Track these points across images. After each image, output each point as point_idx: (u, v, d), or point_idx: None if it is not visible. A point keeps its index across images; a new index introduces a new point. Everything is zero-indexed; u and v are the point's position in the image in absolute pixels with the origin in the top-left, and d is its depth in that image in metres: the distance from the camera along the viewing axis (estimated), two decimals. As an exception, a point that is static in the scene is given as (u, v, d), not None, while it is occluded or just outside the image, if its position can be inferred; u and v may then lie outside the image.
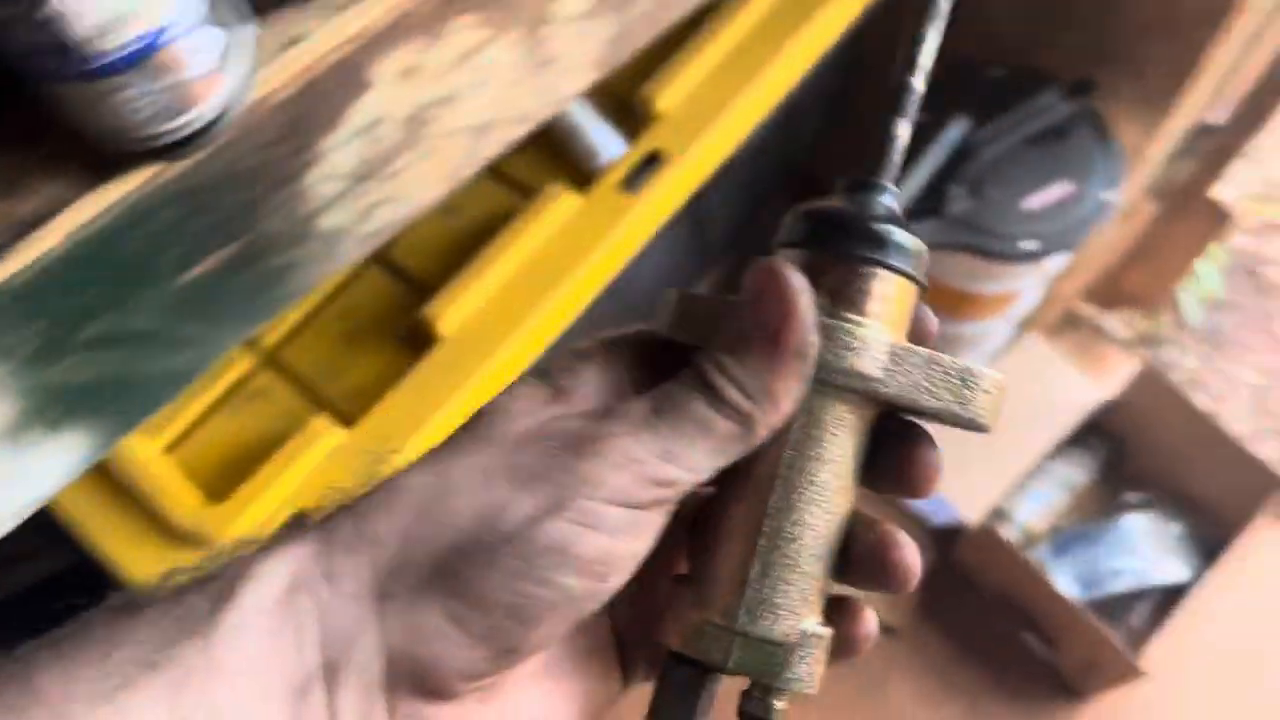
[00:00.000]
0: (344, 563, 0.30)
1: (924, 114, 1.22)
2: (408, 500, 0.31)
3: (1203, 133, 1.31)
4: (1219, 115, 1.30)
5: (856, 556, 0.33)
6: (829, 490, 0.32)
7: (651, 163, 0.84)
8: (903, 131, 0.33)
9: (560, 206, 0.82)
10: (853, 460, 0.32)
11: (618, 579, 0.31)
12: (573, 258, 0.80)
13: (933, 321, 0.35)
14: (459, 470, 0.31)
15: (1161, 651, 1.38)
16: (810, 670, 0.32)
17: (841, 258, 0.32)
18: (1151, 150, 1.22)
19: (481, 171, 0.89)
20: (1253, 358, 2.06)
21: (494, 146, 0.63)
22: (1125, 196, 1.30)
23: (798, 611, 0.32)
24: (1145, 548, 1.53)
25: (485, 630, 0.30)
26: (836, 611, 0.34)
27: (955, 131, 1.07)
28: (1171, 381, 1.48)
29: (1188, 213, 1.44)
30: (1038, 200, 1.14)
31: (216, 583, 0.30)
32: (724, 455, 0.31)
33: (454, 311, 0.79)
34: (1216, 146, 1.33)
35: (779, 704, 0.33)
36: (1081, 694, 1.50)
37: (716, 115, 0.85)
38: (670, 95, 0.86)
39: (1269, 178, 2.18)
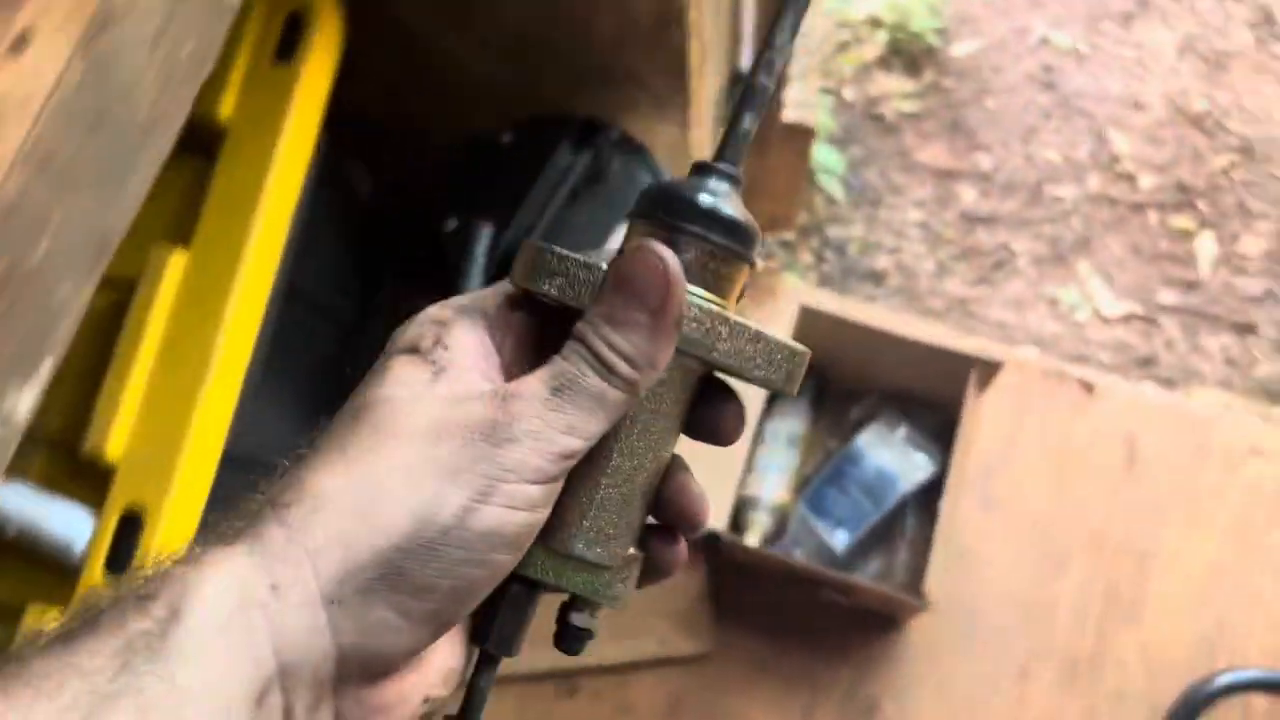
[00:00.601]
0: (287, 574, 0.31)
1: (453, 218, 1.09)
2: (338, 507, 0.32)
3: (742, 80, 1.25)
4: (747, 59, 1.24)
5: (664, 496, 0.38)
6: (662, 439, 0.37)
7: (131, 525, 0.69)
8: (750, 124, 0.37)
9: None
10: (682, 413, 0.38)
11: (529, 544, 0.35)
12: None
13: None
14: (381, 471, 0.33)
15: (943, 566, 1.37)
16: (626, 589, 0.38)
17: (691, 238, 0.36)
18: (695, 135, 1.14)
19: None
20: (906, 197, 2.07)
21: None
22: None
23: (623, 540, 0.37)
24: (884, 460, 1.51)
25: (429, 613, 0.33)
26: (654, 537, 0.39)
27: (482, 242, 0.96)
28: (829, 310, 1.44)
29: (773, 142, 1.39)
30: (614, 243, 1.05)
31: (155, 604, 0.30)
32: (612, 419, 0.35)
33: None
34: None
35: (596, 617, 0.39)
36: (898, 622, 1.49)
37: (182, 433, 0.70)
38: (118, 437, 0.70)
39: (844, 19, 2.18)
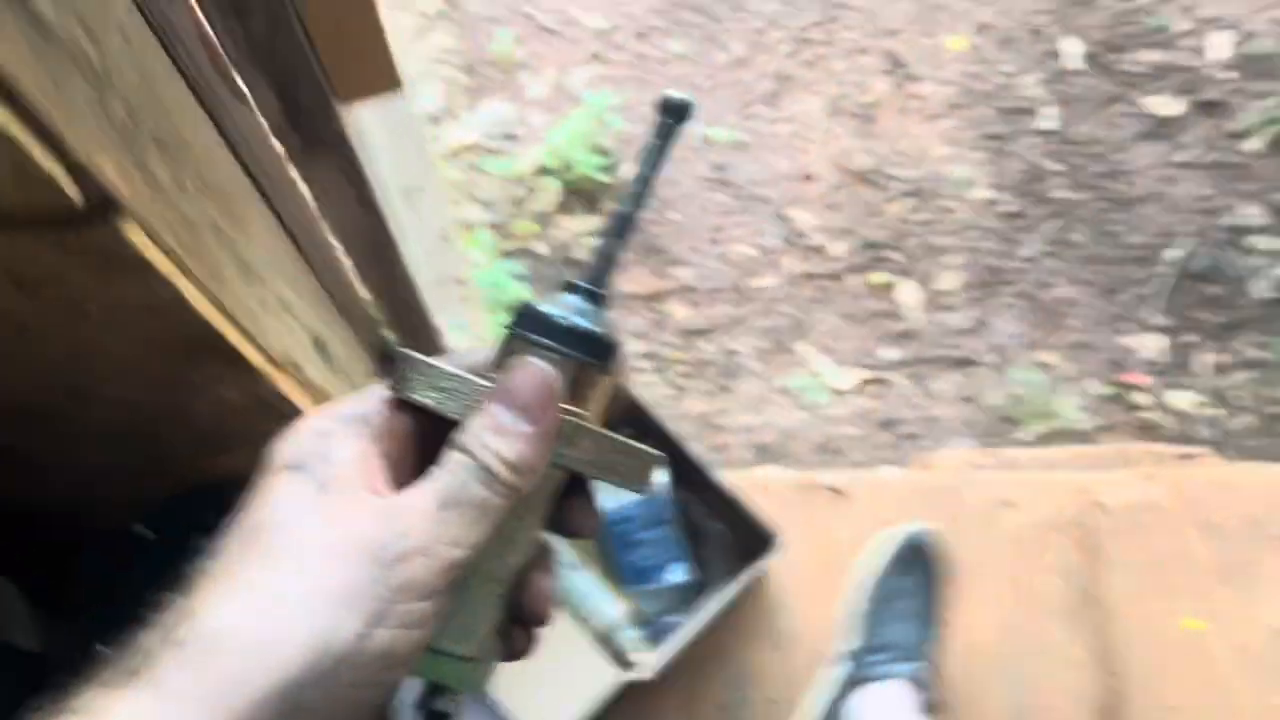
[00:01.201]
0: (188, 715, 0.31)
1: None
2: (234, 644, 0.32)
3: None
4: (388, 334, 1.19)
5: (523, 593, 0.40)
6: (527, 540, 0.40)
7: None
8: (615, 249, 0.42)
9: None
10: (546, 515, 0.41)
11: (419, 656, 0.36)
12: None
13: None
14: (274, 602, 0.33)
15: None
16: (485, 677, 0.41)
17: (558, 355, 0.39)
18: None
19: None
20: (625, 331, 2.07)
21: None
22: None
23: (486, 634, 0.40)
24: (633, 499, 1.45)
25: None
26: (513, 626, 0.41)
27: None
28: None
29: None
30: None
31: None
32: (494, 525, 0.37)
33: None
34: (414, 324, 1.23)
35: (458, 701, 0.41)
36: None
37: None
38: None
39: (514, 175, 2.17)
